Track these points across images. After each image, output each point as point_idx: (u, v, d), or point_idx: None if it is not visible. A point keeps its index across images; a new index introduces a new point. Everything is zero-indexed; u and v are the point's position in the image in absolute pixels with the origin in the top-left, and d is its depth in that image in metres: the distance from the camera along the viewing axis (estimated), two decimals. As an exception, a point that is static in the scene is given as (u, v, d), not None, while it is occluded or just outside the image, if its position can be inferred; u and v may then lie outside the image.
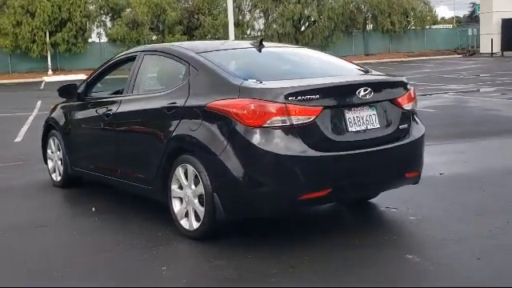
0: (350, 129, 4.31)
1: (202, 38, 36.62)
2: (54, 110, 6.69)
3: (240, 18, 40.68)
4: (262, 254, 4.14)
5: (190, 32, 38.27)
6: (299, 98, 4.10)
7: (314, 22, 40.50)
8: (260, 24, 40.96)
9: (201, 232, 4.44)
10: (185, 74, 4.76)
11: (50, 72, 34.75)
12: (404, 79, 4.89)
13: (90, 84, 6.07)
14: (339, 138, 4.25)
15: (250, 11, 41.19)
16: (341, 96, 4.34)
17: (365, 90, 4.35)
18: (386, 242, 4.38)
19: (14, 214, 5.58)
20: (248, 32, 40.49)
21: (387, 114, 4.58)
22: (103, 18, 38.33)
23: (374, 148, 4.39)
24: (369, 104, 4.43)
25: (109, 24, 38.27)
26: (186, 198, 4.52)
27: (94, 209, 5.51)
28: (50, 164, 6.72)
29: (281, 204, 4.16)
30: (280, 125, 4.05)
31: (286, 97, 4.07)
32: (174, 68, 4.98)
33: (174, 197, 4.65)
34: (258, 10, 41.05)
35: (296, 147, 4.07)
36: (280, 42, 39.23)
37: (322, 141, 4.16)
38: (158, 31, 37.60)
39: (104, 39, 38.49)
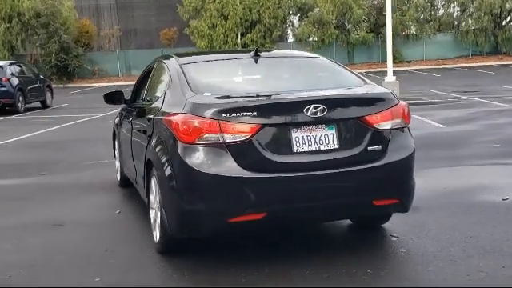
0: (296, 149, 3.95)
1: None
2: (121, 112, 7.13)
3: (432, 13, 38.68)
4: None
5: (377, 29, 37.46)
6: (234, 114, 3.87)
7: (517, 15, 36.76)
8: (453, 18, 38.32)
9: (161, 245, 4.48)
10: (167, 85, 4.79)
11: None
12: (384, 95, 4.33)
13: (135, 91, 6.36)
14: (281, 158, 3.91)
15: (443, 5, 38.88)
16: (286, 113, 3.98)
17: (315, 108, 3.95)
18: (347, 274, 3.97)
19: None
20: (437, 27, 38.24)
21: (352, 133, 4.11)
22: (291, 19, 39.46)
23: (326, 171, 3.97)
24: (325, 122, 4.03)
25: (296, 24, 39.28)
26: (154, 210, 4.59)
27: (118, 211, 5.86)
28: (116, 164, 7.25)
29: (210, 226, 3.96)
30: (212, 142, 3.87)
31: (220, 113, 3.88)
32: (164, 78, 5.03)
33: (151, 207, 4.75)
34: (452, 5, 38.56)
35: (225, 166, 3.85)
36: (476, 37, 36.42)
37: (258, 161, 3.87)
38: (344, 29, 37.47)
39: (290, 39, 39.59)
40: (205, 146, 3.89)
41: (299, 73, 5.01)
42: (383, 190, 4.15)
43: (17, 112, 18.58)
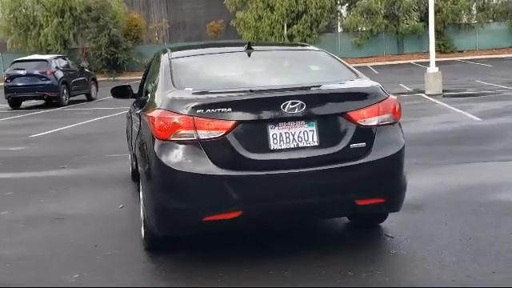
0: (272, 146, 3.82)
1: (440, 23, 34.45)
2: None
3: (486, 1, 37.24)
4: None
5: (428, 18, 36.32)
6: (208, 110, 3.77)
7: None
8: (507, 7, 36.71)
9: (146, 242, 4.45)
10: (157, 79, 4.71)
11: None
12: (371, 89, 4.12)
13: (141, 84, 6.31)
14: (257, 156, 3.78)
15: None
16: (262, 110, 3.83)
17: (293, 104, 3.79)
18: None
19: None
20: (491, 16, 36.77)
21: (334, 130, 3.93)
22: (339, 8, 38.83)
23: (305, 169, 3.81)
24: (305, 119, 3.87)
25: (344, 14, 38.64)
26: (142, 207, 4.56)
27: (121, 206, 5.88)
28: (129, 157, 7.28)
29: (186, 224, 3.88)
30: (185, 139, 3.77)
31: (194, 109, 3.78)
32: (156, 73, 4.92)
33: (141, 204, 4.71)
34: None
35: (199, 164, 3.75)
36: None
37: (233, 159, 3.76)
38: (393, 18, 36.55)
39: (339, 29, 39.00)
40: (179, 142, 3.81)
41: (290, 67, 4.85)
42: (367, 188, 3.96)
43: (61, 105, 19.07)
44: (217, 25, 39.40)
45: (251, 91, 3.95)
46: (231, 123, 3.76)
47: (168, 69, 4.48)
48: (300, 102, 3.81)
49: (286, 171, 3.79)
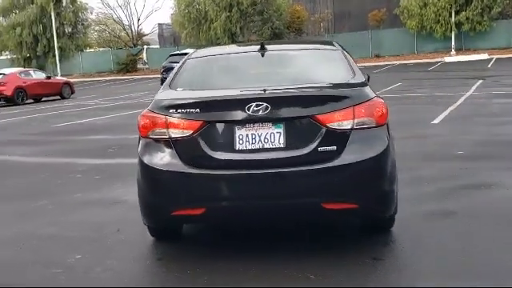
0: (238, 147, 3.88)
1: None
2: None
3: None
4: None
5: None
6: (179, 110, 3.95)
7: None
8: None
9: (148, 229, 4.75)
10: None
11: (452, 52, 34.69)
12: (349, 92, 4.00)
13: None
14: (222, 155, 3.87)
15: None
16: (229, 111, 3.92)
17: (257, 106, 3.82)
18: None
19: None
20: None
21: (302, 133, 3.87)
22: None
23: (269, 170, 3.82)
24: (272, 121, 3.87)
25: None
26: None
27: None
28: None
29: (159, 217, 4.12)
30: (160, 137, 4.00)
31: (167, 109, 4.00)
32: None
33: None
34: None
35: (169, 161, 3.95)
36: None
37: (200, 157, 3.89)
38: None
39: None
40: (155, 140, 4.05)
41: (292, 68, 4.81)
42: (335, 193, 3.83)
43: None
44: (379, 14, 38.55)
45: (222, 93, 4.09)
46: (199, 123, 3.91)
47: (177, 69, 4.72)
48: (265, 105, 3.83)
49: (249, 171, 3.84)
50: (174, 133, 3.97)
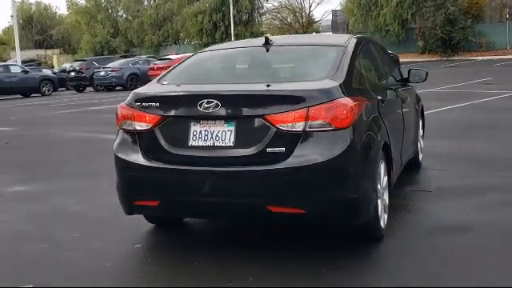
0: (191, 143, 3.78)
1: None
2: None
3: None
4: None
5: None
6: (143, 104, 3.98)
7: None
8: None
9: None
10: None
11: None
12: (302, 92, 3.69)
13: None
14: (177, 150, 3.82)
15: None
16: (184, 107, 3.90)
17: (208, 103, 3.71)
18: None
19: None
20: None
21: (252, 132, 3.66)
22: None
23: (217, 168, 3.69)
24: (225, 118, 3.71)
25: None
26: None
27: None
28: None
29: (125, 205, 4.15)
30: (128, 128, 4.06)
31: (135, 102, 4.04)
32: None
33: None
34: None
35: (131, 153, 4.00)
36: None
37: (157, 151, 3.88)
38: None
39: None
40: (125, 132, 4.12)
41: (276, 66, 4.65)
42: (281, 196, 3.59)
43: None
44: None
45: (182, 88, 4.08)
46: (158, 117, 3.91)
47: (179, 63, 4.76)
48: (215, 102, 3.72)
49: (199, 168, 3.75)
50: (138, 125, 4.01)
